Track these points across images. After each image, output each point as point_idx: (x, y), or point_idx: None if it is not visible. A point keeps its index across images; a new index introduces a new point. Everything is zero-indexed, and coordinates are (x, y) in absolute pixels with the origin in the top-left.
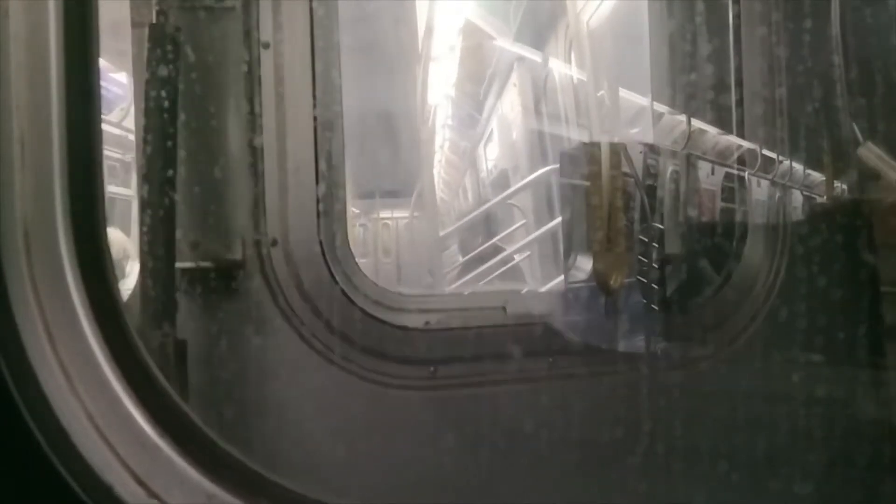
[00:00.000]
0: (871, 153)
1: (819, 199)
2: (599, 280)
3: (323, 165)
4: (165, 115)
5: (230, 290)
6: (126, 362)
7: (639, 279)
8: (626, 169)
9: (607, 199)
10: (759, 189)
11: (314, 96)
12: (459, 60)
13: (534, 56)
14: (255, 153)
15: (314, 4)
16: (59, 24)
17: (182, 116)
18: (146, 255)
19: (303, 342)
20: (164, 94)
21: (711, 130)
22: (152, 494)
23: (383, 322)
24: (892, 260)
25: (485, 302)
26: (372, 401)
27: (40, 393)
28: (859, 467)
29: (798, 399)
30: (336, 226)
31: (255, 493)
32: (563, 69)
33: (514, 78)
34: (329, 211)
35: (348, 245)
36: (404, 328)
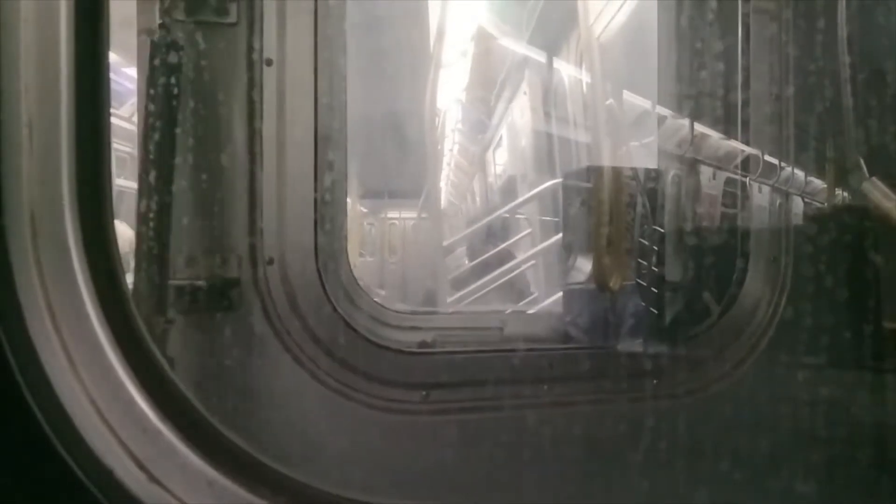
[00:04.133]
0: (875, 189)
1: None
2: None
3: (323, 184)
4: (164, 130)
5: (224, 308)
6: (129, 347)
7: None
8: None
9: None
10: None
11: (316, 116)
12: (471, 65)
13: (545, 63)
14: (254, 171)
15: (319, 21)
16: (69, 7)
17: (181, 131)
18: (139, 267)
19: (296, 364)
20: (163, 108)
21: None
22: (153, 479)
23: (376, 344)
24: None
25: (482, 322)
26: (364, 424)
27: (43, 376)
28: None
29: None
30: (335, 244)
31: (255, 480)
32: (574, 77)
33: (524, 85)
34: (328, 229)
35: (348, 261)
36: (396, 350)
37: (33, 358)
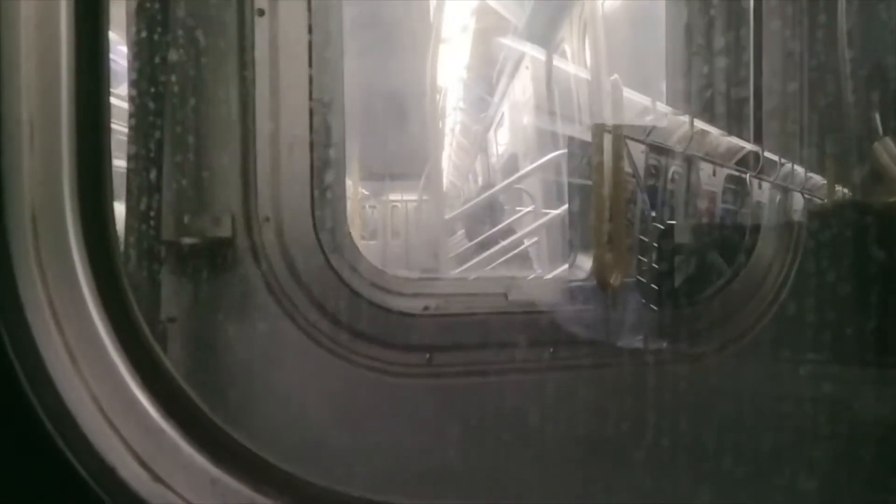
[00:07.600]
0: (886, 151)
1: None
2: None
3: (320, 142)
4: (154, 86)
5: (218, 267)
6: (131, 345)
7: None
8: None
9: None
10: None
11: (311, 67)
12: (472, 42)
13: (546, 39)
14: (248, 127)
15: None
16: (69, 6)
17: (172, 87)
18: (131, 228)
19: (292, 323)
20: (153, 64)
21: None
22: (156, 478)
23: (377, 306)
24: None
25: (486, 288)
26: (365, 387)
27: (45, 374)
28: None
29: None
30: (334, 204)
31: (258, 478)
32: (576, 54)
33: (526, 61)
34: (325, 188)
35: (346, 224)
36: (399, 313)
37: (35, 356)
